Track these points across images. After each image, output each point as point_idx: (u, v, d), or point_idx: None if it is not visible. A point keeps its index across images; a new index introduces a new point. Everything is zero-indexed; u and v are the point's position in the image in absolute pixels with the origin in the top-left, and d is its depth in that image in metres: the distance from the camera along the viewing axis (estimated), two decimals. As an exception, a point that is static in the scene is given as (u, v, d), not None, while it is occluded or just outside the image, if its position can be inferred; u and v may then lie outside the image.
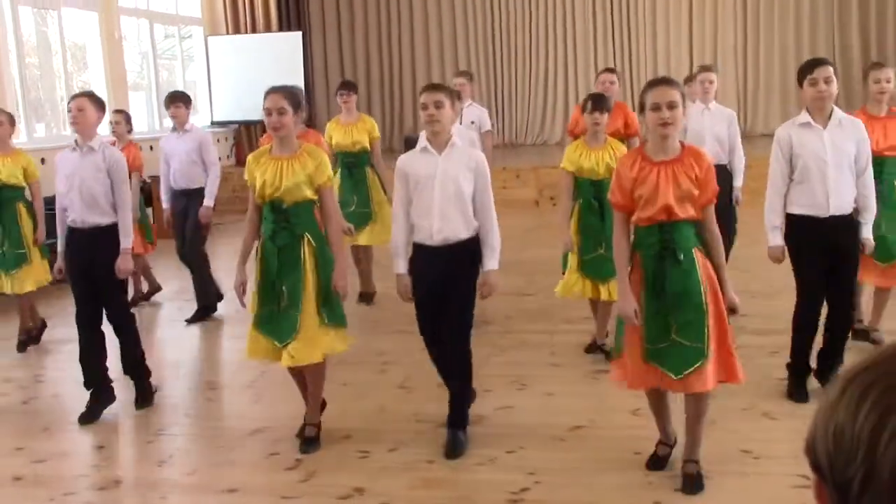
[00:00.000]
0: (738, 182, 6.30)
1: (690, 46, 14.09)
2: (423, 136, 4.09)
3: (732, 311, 3.56)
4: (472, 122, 6.89)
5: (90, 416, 4.74)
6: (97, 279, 4.72)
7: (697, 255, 3.48)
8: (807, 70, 4.29)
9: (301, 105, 4.16)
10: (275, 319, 4.06)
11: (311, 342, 4.04)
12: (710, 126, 6.14)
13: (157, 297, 7.49)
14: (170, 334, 6.67)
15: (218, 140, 12.85)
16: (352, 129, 6.75)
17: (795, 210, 4.41)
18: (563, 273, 5.29)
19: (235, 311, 7.27)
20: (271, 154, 4.10)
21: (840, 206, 4.30)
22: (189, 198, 6.67)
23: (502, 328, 6.05)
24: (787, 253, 4.52)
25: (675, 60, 13.76)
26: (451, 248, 3.94)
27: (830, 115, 4.29)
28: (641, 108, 3.49)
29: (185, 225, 6.73)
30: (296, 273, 4.01)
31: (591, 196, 5.11)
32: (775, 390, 4.62)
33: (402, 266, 4.06)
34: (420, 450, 4.12)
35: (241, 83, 12.76)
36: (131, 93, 11.91)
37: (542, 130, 14.51)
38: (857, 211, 4.40)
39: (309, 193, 4.05)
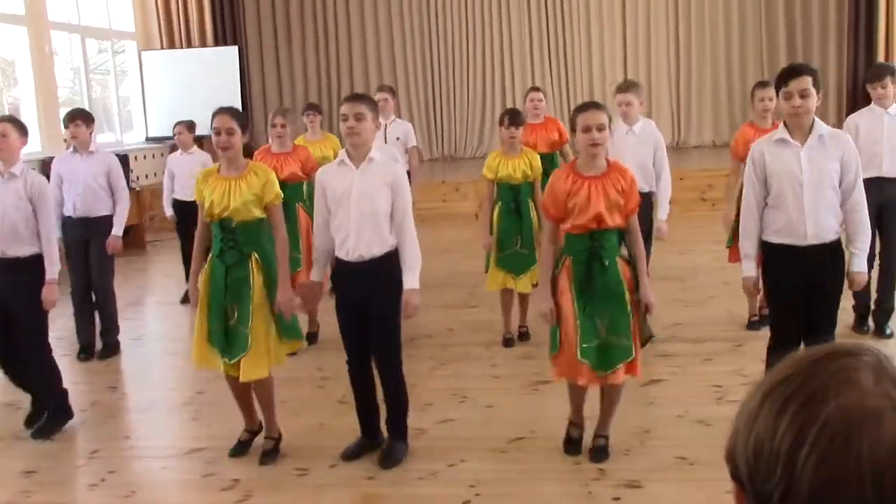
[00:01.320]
0: (662, 214, 5.75)
1: (625, 59, 14.30)
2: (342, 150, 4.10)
3: (648, 310, 3.90)
4: (398, 139, 6.90)
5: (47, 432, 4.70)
6: (13, 312, 4.55)
7: (620, 262, 3.86)
8: (781, 81, 3.82)
9: (248, 127, 4.20)
10: (225, 336, 4.04)
11: (259, 359, 4.04)
12: (632, 150, 5.58)
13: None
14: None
15: (154, 156, 12.66)
16: (318, 146, 6.96)
17: (771, 238, 3.94)
18: (486, 271, 5.87)
19: (171, 329, 7.17)
20: (220, 173, 4.11)
21: (819, 233, 3.81)
22: (91, 227, 6.05)
23: (444, 341, 6.06)
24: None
25: (610, 73, 13.95)
26: (368, 264, 3.93)
27: (811, 130, 3.82)
28: (573, 129, 3.83)
29: (88, 258, 6.09)
30: (244, 292, 4.02)
31: (509, 199, 5.71)
32: (709, 397, 4.70)
33: (316, 274, 4.16)
34: (360, 466, 4.09)
35: (176, 99, 12.58)
36: (63, 109, 11.65)
37: (480, 143, 14.58)
38: (846, 238, 3.93)
39: (257, 212, 4.07)
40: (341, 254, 3.98)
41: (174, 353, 6.37)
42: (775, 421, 0.80)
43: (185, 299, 7.57)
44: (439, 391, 5.03)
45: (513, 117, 5.72)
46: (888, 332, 5.58)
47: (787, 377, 0.82)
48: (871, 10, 12.39)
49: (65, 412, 4.82)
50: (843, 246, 3.93)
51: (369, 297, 3.95)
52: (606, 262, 3.79)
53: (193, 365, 4.26)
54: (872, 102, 5.49)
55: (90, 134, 6.12)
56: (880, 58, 11.77)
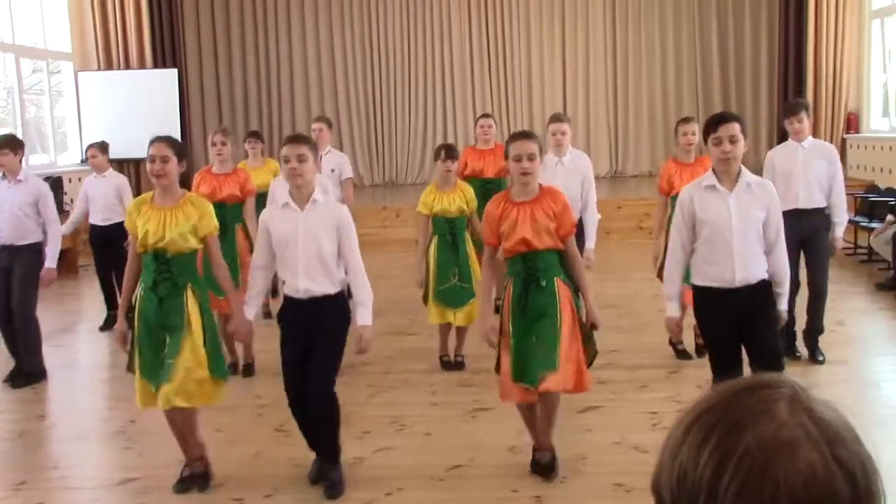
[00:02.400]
0: (590, 243, 5.90)
1: (564, 90, 14.57)
2: (285, 190, 4.08)
3: (594, 326, 4.04)
4: (333, 171, 6.89)
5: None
6: None
7: (559, 283, 3.96)
8: (710, 128, 3.85)
9: (185, 156, 4.13)
10: (158, 368, 3.96)
11: (188, 388, 3.95)
12: (561, 180, 5.60)
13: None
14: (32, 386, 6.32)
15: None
16: (259, 172, 7.20)
17: (700, 281, 3.98)
18: (425, 304, 5.95)
19: (102, 356, 7.01)
20: (153, 203, 4.03)
21: (747, 277, 3.87)
22: (14, 255, 5.88)
23: (383, 368, 6.04)
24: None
25: (550, 103, 14.16)
26: (317, 301, 3.94)
27: (738, 177, 3.87)
28: (506, 157, 4.02)
29: (11, 285, 5.91)
30: (179, 323, 3.96)
31: (445, 233, 5.81)
32: (645, 423, 4.76)
33: (249, 313, 4.10)
34: (297, 495, 4.05)
35: (113, 120, 12.39)
36: (-6, 129, 11.39)
37: (421, 170, 14.65)
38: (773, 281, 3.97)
39: (193, 243, 4.02)
40: (290, 292, 3.99)
41: (105, 380, 6.24)
42: (698, 451, 0.82)
43: (105, 326, 7.43)
44: (377, 419, 5.01)
45: (448, 151, 5.82)
46: (820, 358, 5.73)
47: (710, 408, 0.85)
48: (799, 53, 12.82)
49: None
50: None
51: (317, 334, 3.94)
52: (543, 283, 3.92)
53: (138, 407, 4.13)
54: (789, 137, 5.67)
55: (19, 161, 5.98)
56: (809, 97, 12.19)
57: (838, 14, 12.30)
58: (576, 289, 4.04)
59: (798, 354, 5.76)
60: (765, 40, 14.01)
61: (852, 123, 12.51)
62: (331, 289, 3.96)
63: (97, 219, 7.44)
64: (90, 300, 8.84)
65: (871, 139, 11.84)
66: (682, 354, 5.86)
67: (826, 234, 5.57)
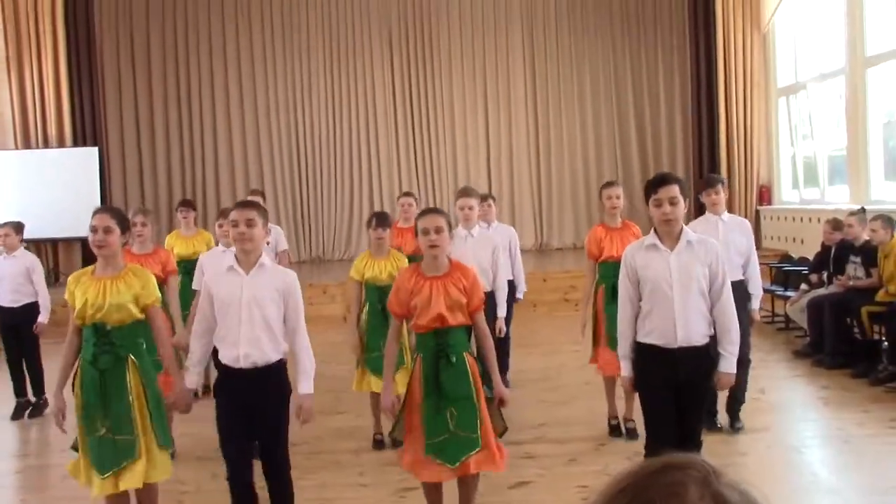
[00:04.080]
0: (501, 311, 6.12)
1: (488, 165, 14.84)
2: (231, 254, 4.08)
3: (502, 403, 4.06)
4: (268, 243, 6.88)
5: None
6: None
7: (468, 358, 4.01)
8: (650, 190, 3.96)
9: (128, 227, 4.10)
10: (104, 446, 3.82)
11: (150, 464, 3.87)
12: (472, 251, 5.83)
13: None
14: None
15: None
16: (192, 241, 7.36)
17: (643, 339, 4.01)
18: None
19: (14, 444, 6.70)
20: (94, 274, 3.95)
21: (688, 336, 3.90)
22: None
23: (311, 448, 5.90)
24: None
25: (475, 178, 14.37)
26: (257, 371, 3.86)
27: (679, 236, 3.97)
28: (415, 233, 4.10)
29: None
30: (122, 397, 3.85)
31: (375, 300, 5.76)
32: (575, 498, 4.74)
33: (190, 381, 4.06)
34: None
35: (30, 200, 12.12)
36: None
37: (348, 245, 14.64)
38: (713, 341, 4.00)
39: (135, 312, 3.92)
40: (228, 360, 3.88)
41: (17, 471, 5.96)
42: None
43: (16, 415, 7.13)
44: (307, 502, 4.87)
45: (380, 220, 5.88)
46: (738, 425, 5.81)
47: (623, 489, 0.87)
48: (712, 129, 13.40)
49: None
50: (711, 350, 4.03)
51: (256, 405, 3.86)
52: (453, 359, 3.93)
53: (80, 484, 3.99)
54: (706, 211, 5.84)
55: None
56: (723, 170, 12.68)
57: (746, 92, 12.93)
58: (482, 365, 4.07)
59: (719, 425, 5.80)
60: (679, 116, 14.55)
61: (764, 195, 13.03)
62: (274, 356, 3.89)
63: (6, 300, 7.18)
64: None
65: (784, 210, 12.32)
66: (614, 431, 5.81)
67: (746, 306, 5.65)
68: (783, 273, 9.90)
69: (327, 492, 5.07)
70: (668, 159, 14.62)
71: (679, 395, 3.96)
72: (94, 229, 3.91)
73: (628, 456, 5.29)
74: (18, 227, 7.41)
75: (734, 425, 5.80)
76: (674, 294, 3.88)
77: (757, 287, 5.78)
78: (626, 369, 4.11)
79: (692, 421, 4.05)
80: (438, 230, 3.98)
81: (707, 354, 3.97)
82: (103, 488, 3.85)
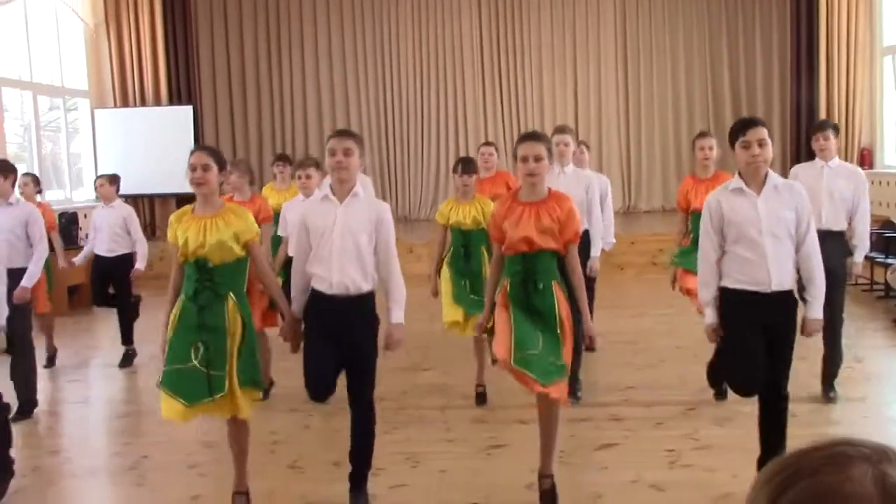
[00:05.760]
0: (595, 251, 5.92)
1: (576, 120, 14.56)
2: (326, 182, 4.09)
3: (591, 344, 4.04)
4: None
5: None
6: None
7: (556, 288, 3.91)
8: (738, 131, 3.88)
9: (225, 166, 4.09)
10: (195, 378, 3.84)
11: (237, 399, 3.90)
12: (564, 189, 5.50)
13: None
14: (46, 421, 6.32)
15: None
16: (285, 195, 7.24)
17: (729, 284, 3.92)
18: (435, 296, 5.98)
19: (116, 391, 6.99)
20: (194, 213, 3.99)
21: (781, 281, 3.84)
22: (8, 278, 5.73)
23: (396, 404, 5.99)
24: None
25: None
26: (348, 299, 3.88)
27: (765, 180, 3.90)
28: (515, 158, 3.97)
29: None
30: (219, 334, 3.87)
31: (460, 244, 5.81)
32: (662, 461, 4.70)
33: (297, 310, 4.03)
34: (311, 533, 4.01)
35: (128, 157, 12.51)
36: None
37: (434, 205, 14.66)
38: (799, 285, 3.96)
39: (236, 250, 3.94)
40: (322, 287, 3.90)
41: (119, 416, 6.22)
42: (762, 488, 0.84)
43: (124, 363, 7.41)
44: (392, 455, 4.96)
45: (465, 165, 5.86)
46: (832, 394, 5.57)
47: (792, 459, 0.87)
48: (811, 90, 12.88)
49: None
50: (796, 294, 3.97)
51: (345, 332, 3.88)
52: (541, 286, 3.88)
53: (161, 415, 4.02)
54: (816, 156, 5.61)
55: (11, 185, 5.99)
56: (821, 112, 12.24)
57: (849, 50, 12.35)
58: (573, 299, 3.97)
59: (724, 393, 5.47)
60: (776, 76, 14.06)
61: (866, 159, 12.49)
62: (364, 286, 3.90)
63: (102, 249, 7.38)
64: (105, 336, 8.85)
65: (886, 174, 11.80)
66: (721, 394, 5.55)
67: (843, 262, 5.38)
68: (884, 239, 9.51)
69: (413, 446, 5.14)
70: (764, 120, 14.15)
71: (766, 339, 3.87)
72: (192, 167, 3.93)
73: (717, 421, 5.21)
74: (113, 179, 7.64)
75: (828, 394, 5.60)
76: (764, 239, 3.81)
77: (861, 239, 5.45)
78: (710, 316, 4.00)
79: (777, 372, 3.93)
80: (538, 158, 3.90)
81: (792, 299, 3.91)
82: (186, 416, 3.89)
